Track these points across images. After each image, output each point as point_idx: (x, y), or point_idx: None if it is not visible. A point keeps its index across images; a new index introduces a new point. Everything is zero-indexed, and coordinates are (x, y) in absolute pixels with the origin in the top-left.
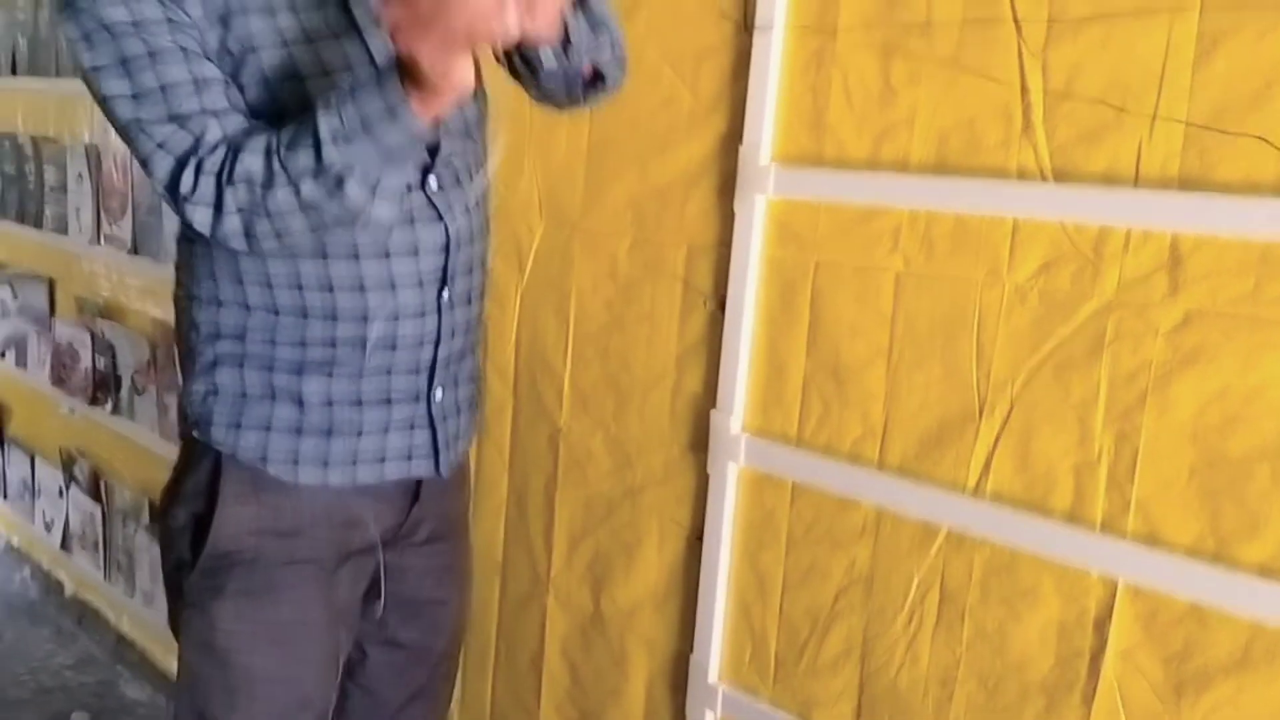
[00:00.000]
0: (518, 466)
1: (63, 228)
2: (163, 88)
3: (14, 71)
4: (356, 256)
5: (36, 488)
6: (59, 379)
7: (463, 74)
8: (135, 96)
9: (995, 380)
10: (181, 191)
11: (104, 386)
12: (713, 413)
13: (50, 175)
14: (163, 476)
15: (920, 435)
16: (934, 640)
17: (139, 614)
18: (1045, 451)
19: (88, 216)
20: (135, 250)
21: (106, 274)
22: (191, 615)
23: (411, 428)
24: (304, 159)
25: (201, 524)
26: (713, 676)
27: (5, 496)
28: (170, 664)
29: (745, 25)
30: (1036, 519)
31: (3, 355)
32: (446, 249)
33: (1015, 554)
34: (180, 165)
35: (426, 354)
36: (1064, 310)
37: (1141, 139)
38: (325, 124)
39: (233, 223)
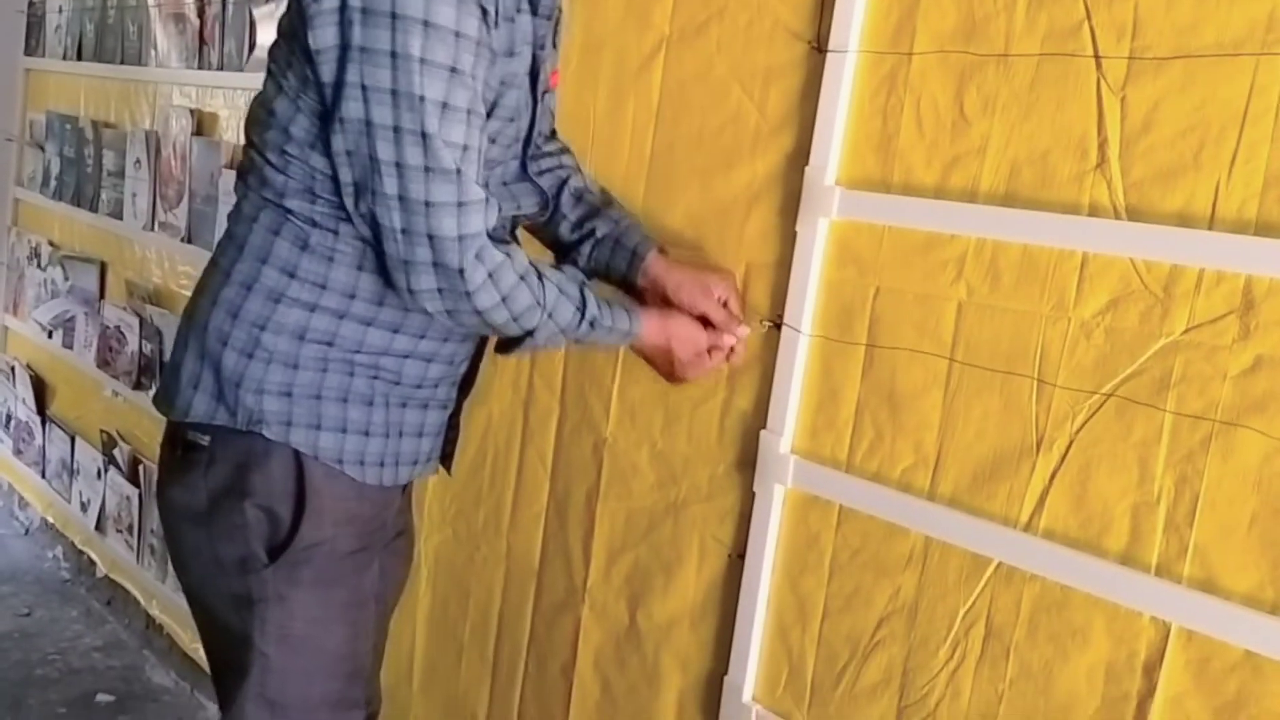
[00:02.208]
0: (560, 475)
1: (118, 212)
2: (464, 147)
3: (79, 56)
4: None
5: (75, 467)
6: (104, 361)
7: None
8: (445, 107)
9: (1055, 415)
10: (450, 260)
11: (149, 371)
12: (762, 432)
13: (109, 160)
14: None
15: (974, 467)
16: (977, 675)
17: (169, 599)
18: (1103, 490)
19: (144, 202)
20: (189, 239)
21: (158, 260)
22: (267, 609)
23: (437, 434)
24: (567, 312)
25: (276, 519)
26: (746, 697)
27: (44, 474)
28: (198, 653)
29: (818, 46)
30: (1090, 558)
31: (50, 335)
32: None
33: (1066, 592)
34: (463, 239)
35: (463, 369)
36: (1130, 348)
37: (1219, 180)
38: (594, 308)
39: (466, 306)
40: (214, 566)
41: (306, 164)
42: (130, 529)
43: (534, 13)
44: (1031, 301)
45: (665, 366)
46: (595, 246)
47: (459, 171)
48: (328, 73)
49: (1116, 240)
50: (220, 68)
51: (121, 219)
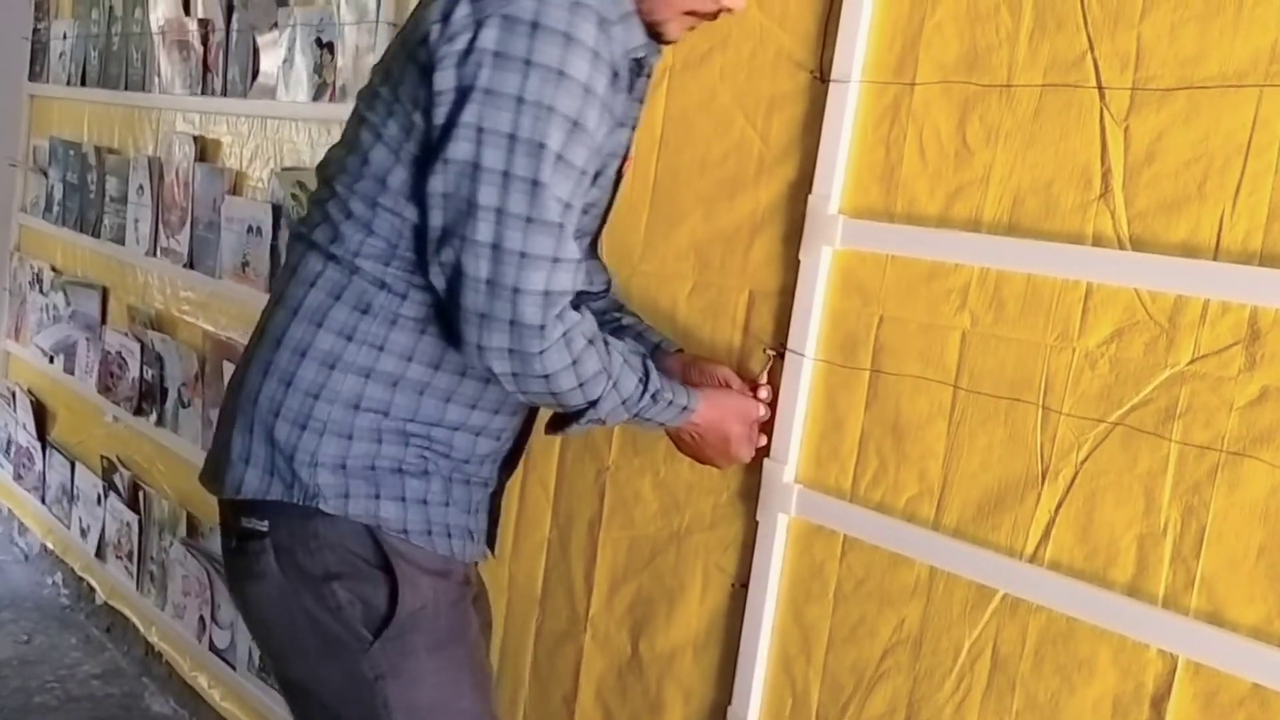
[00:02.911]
0: (562, 504)
1: (120, 238)
2: (568, 205)
3: (83, 83)
4: None
5: (75, 493)
6: (105, 387)
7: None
8: (560, 159)
9: (1060, 446)
10: (530, 317)
11: (150, 397)
12: (766, 461)
13: (112, 186)
14: (201, 490)
15: (979, 497)
16: (983, 708)
17: (169, 627)
18: (1109, 521)
19: (146, 228)
20: (191, 264)
21: (160, 286)
22: (387, 686)
23: (481, 510)
24: (630, 382)
25: (367, 595)
26: None
27: (44, 500)
28: (197, 680)
29: (821, 76)
30: (1096, 589)
31: (52, 360)
32: None
33: (1072, 624)
34: (549, 295)
35: (507, 446)
36: (1135, 379)
37: (1224, 211)
38: (656, 380)
39: (534, 369)
40: (317, 656)
41: (399, 216)
42: (130, 555)
43: (629, 92)
44: (1036, 331)
45: (718, 444)
46: (620, 333)
47: (561, 226)
48: (441, 114)
49: (1121, 270)
50: (224, 94)
51: (124, 244)
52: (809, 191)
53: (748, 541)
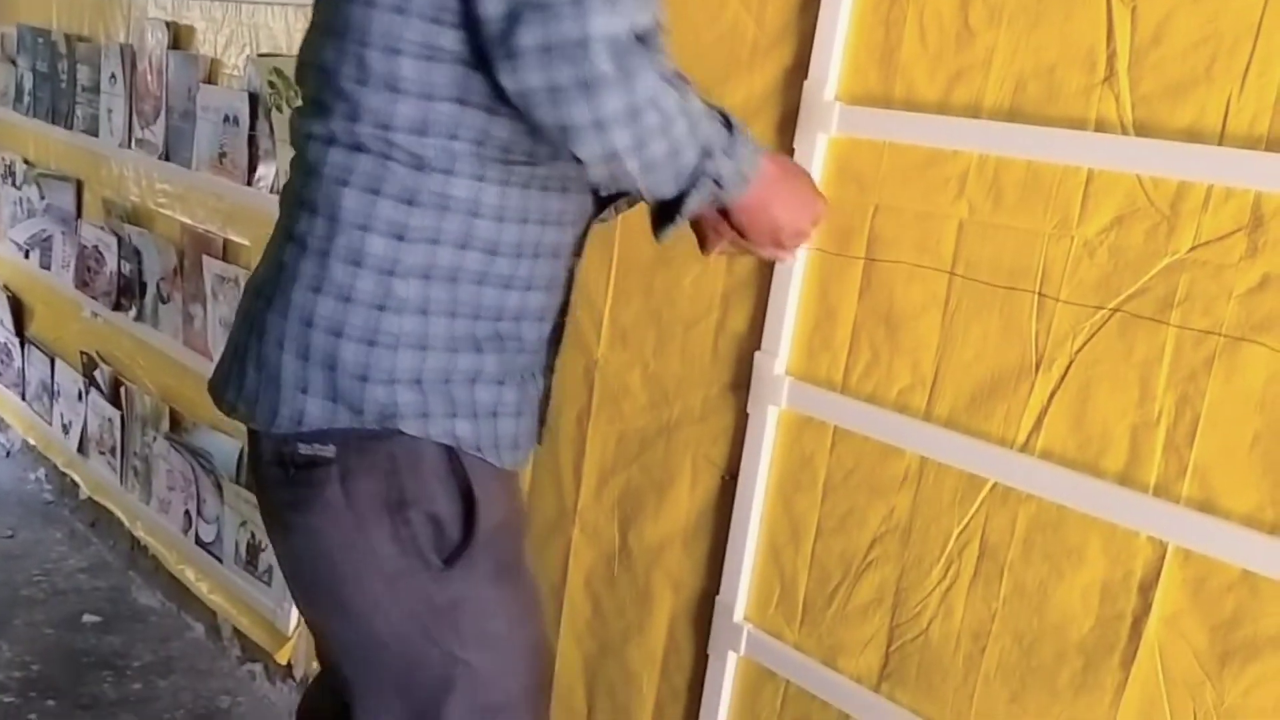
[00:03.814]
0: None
1: (94, 129)
2: None
3: None
4: (544, 223)
5: (56, 390)
6: (83, 282)
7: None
8: None
9: (1056, 335)
10: (646, 127)
11: (128, 292)
12: (757, 354)
13: (83, 75)
14: (184, 385)
15: (972, 387)
16: (970, 594)
17: (154, 521)
18: (1102, 410)
19: (119, 119)
20: (167, 156)
21: (136, 178)
22: (459, 614)
23: (535, 409)
24: (704, 118)
25: (441, 521)
26: (738, 616)
27: (24, 397)
28: (184, 574)
29: None
30: (1087, 478)
31: (27, 254)
32: (588, 219)
33: (1063, 512)
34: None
35: (548, 328)
36: (1134, 267)
37: (1231, 94)
38: (740, 129)
39: (581, 72)
40: (381, 588)
41: (428, 54)
42: (113, 451)
43: None
44: (1034, 219)
45: (774, 213)
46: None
47: None
48: None
49: (1123, 156)
50: None
51: (97, 136)
52: (804, 77)
53: (738, 433)
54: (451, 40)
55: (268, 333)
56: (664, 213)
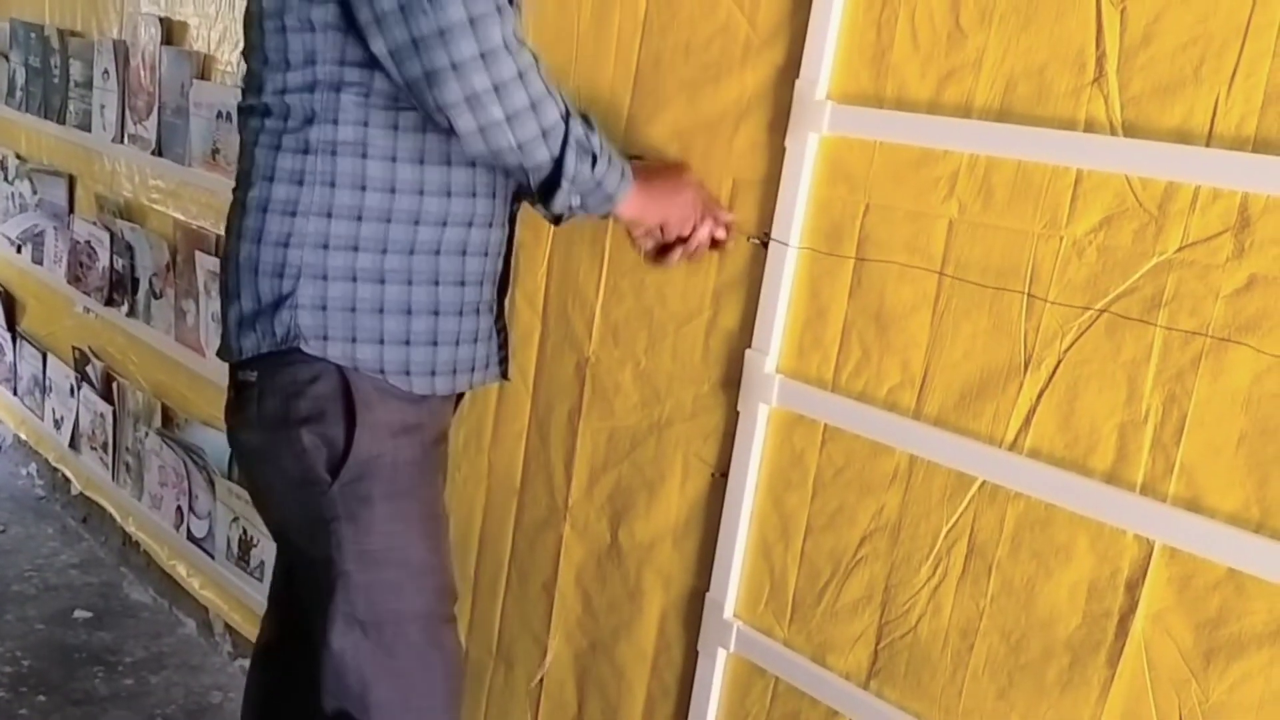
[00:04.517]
0: (542, 394)
1: (86, 124)
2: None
3: None
4: (449, 163)
5: (48, 385)
6: (75, 277)
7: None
8: None
9: (1044, 334)
10: (502, 73)
11: (121, 288)
12: (748, 351)
13: (76, 70)
14: (176, 381)
15: (961, 386)
16: (958, 592)
17: (146, 517)
18: (1090, 409)
19: (112, 114)
20: (159, 151)
21: (128, 174)
22: (341, 527)
23: (488, 338)
24: (579, 124)
25: (331, 439)
26: (728, 614)
27: (16, 392)
28: (176, 569)
29: None
30: (1075, 476)
31: (19, 249)
32: None
33: (1050, 510)
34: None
35: (495, 265)
36: (1122, 267)
37: (1219, 95)
38: (613, 153)
39: (496, 114)
40: (287, 497)
41: (306, 28)
42: (105, 446)
43: None
44: (1024, 219)
45: (661, 210)
46: None
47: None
48: None
49: (1112, 157)
50: None
51: (90, 131)
52: (796, 76)
53: (728, 431)
54: (324, 14)
55: (223, 282)
56: (548, 189)
